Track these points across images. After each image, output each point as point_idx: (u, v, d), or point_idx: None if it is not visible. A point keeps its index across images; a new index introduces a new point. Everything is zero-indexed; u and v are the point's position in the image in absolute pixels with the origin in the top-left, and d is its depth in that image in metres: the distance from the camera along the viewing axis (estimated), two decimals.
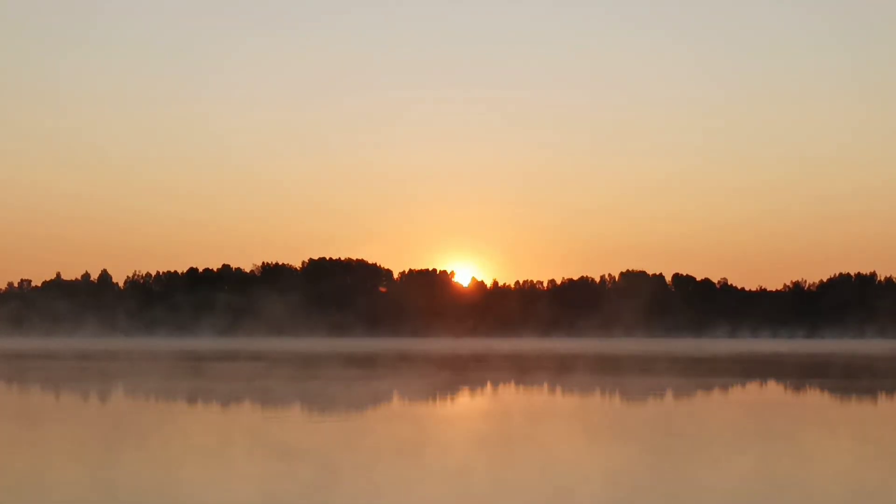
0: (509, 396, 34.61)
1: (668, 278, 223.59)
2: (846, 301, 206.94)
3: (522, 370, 54.34)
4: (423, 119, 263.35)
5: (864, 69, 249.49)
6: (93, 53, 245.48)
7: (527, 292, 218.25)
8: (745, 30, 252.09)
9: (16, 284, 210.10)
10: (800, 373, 53.26)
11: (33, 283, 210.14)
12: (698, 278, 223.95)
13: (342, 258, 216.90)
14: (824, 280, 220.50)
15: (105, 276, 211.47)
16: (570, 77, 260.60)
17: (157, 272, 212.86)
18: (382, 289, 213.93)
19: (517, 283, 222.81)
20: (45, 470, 15.65)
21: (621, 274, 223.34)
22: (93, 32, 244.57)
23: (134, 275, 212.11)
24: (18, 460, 16.84)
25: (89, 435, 20.94)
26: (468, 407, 29.67)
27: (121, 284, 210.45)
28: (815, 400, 32.98)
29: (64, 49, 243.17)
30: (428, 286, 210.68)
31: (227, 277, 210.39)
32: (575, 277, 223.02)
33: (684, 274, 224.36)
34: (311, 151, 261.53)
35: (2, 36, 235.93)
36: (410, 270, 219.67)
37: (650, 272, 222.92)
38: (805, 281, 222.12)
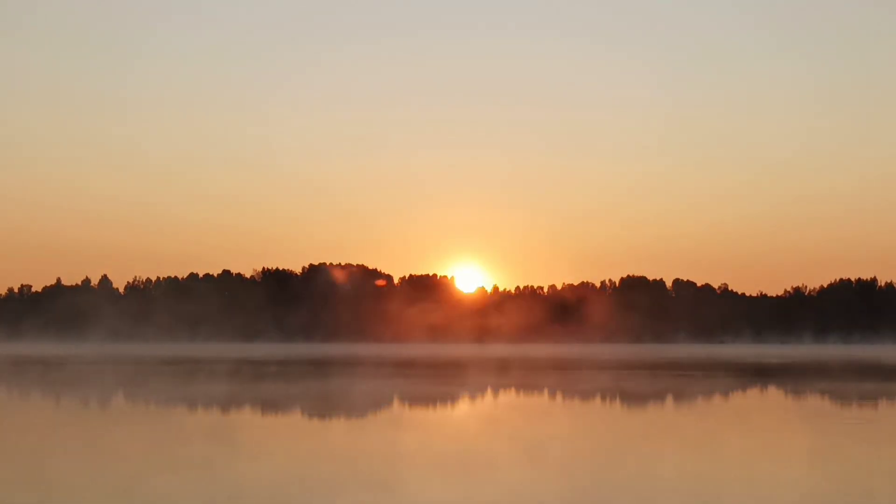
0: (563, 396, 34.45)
1: (669, 283, 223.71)
2: (847, 306, 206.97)
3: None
4: (425, 124, 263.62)
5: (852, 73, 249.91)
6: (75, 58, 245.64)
7: (527, 297, 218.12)
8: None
9: (16, 290, 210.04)
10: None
11: (33, 289, 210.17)
12: (699, 283, 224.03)
13: (342, 263, 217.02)
14: (825, 285, 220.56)
15: (105, 281, 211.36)
16: (570, 83, 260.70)
17: (158, 277, 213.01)
18: (381, 282, 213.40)
19: (517, 288, 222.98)
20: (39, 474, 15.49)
21: (621, 279, 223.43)
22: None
23: (134, 280, 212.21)
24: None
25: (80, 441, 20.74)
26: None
27: (121, 290, 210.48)
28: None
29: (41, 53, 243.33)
30: (427, 291, 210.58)
31: (227, 283, 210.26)
32: (575, 283, 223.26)
33: (685, 279, 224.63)
34: (311, 157, 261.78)
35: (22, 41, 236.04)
36: (410, 276, 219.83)
37: (650, 277, 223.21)
38: (805, 286, 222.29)
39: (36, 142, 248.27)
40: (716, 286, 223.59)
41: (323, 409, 28.58)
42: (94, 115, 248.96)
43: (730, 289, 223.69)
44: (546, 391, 39.07)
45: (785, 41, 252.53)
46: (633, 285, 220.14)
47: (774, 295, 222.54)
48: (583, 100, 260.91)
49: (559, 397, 35.23)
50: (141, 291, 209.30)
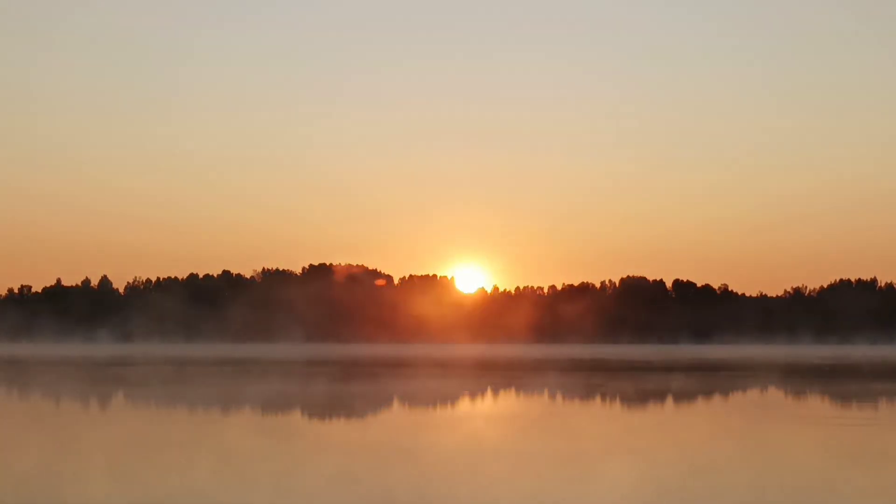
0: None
1: (669, 284, 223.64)
2: (847, 307, 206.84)
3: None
4: (425, 126, 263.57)
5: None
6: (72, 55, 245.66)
7: (528, 298, 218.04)
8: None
9: (16, 290, 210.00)
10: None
11: (34, 290, 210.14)
12: (699, 284, 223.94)
13: (343, 264, 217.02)
14: (825, 286, 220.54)
15: (105, 282, 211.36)
16: (572, 83, 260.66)
17: (158, 278, 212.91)
18: (380, 282, 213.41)
19: (517, 288, 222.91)
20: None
21: (622, 279, 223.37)
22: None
23: (134, 281, 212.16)
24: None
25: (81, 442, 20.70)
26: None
27: (121, 290, 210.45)
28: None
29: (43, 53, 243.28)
30: (427, 292, 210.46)
31: (227, 283, 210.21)
32: (575, 283, 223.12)
33: (685, 280, 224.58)
34: (311, 158, 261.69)
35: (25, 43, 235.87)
36: (410, 276, 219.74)
37: (650, 278, 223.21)
38: (805, 287, 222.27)
39: (35, 143, 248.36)
40: (716, 287, 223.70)
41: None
42: (99, 114, 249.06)
43: (730, 289, 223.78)
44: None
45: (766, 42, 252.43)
46: (634, 286, 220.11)
47: (774, 295, 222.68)
48: (584, 100, 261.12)
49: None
50: (141, 292, 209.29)
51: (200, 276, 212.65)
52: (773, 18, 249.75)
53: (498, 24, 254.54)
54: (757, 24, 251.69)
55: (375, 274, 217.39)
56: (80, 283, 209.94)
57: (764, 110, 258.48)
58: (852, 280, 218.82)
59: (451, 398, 35.86)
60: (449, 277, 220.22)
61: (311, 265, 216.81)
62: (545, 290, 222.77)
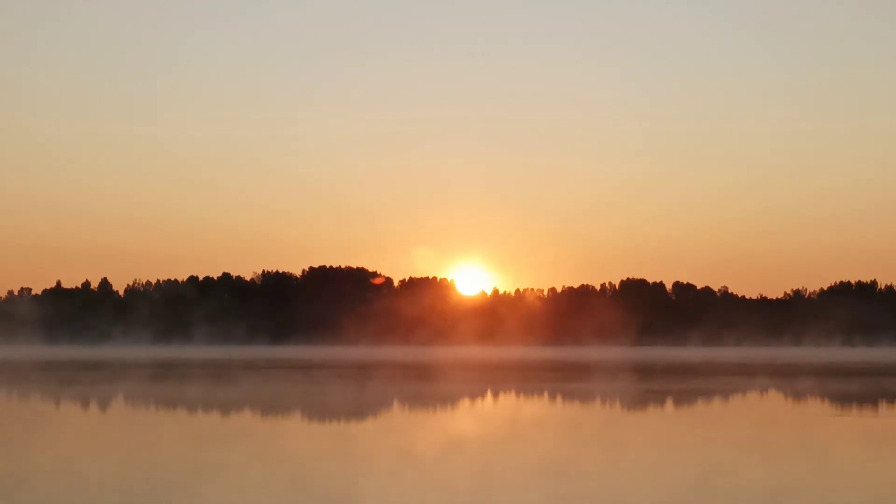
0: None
1: (669, 286, 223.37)
2: (847, 309, 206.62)
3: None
4: (426, 128, 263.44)
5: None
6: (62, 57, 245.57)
7: (528, 300, 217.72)
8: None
9: (16, 292, 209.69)
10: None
11: (34, 292, 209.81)
12: (699, 286, 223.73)
13: (342, 266, 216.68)
14: (825, 288, 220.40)
15: (105, 284, 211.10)
16: (572, 84, 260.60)
17: (158, 280, 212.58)
18: (378, 280, 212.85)
19: (517, 291, 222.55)
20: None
21: (621, 282, 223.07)
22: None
23: (134, 283, 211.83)
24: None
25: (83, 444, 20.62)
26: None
27: (121, 293, 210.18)
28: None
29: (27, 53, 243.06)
30: (428, 294, 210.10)
31: (227, 286, 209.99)
32: (575, 285, 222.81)
33: (685, 282, 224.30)
34: (311, 160, 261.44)
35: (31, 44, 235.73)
36: (410, 278, 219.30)
37: (650, 280, 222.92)
38: (805, 289, 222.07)
39: (35, 143, 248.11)
40: (716, 289, 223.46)
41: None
42: (99, 117, 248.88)
43: (730, 291, 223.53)
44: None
45: (772, 43, 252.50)
46: (633, 288, 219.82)
47: (774, 298, 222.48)
48: (585, 101, 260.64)
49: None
50: (141, 294, 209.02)
51: (200, 278, 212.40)
52: (795, 20, 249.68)
53: (503, 19, 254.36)
54: (779, 27, 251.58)
55: (375, 276, 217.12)
56: (80, 286, 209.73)
57: (767, 114, 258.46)
58: (852, 282, 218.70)
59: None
60: (449, 280, 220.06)
61: (311, 267, 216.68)
62: (545, 293, 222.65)
